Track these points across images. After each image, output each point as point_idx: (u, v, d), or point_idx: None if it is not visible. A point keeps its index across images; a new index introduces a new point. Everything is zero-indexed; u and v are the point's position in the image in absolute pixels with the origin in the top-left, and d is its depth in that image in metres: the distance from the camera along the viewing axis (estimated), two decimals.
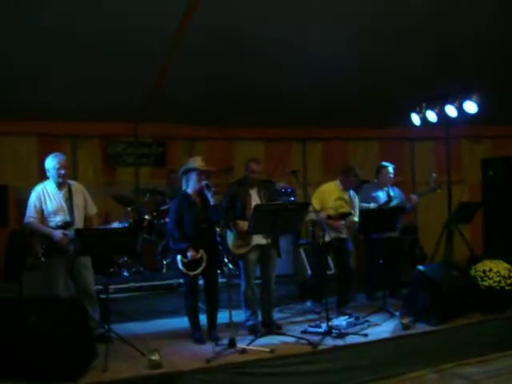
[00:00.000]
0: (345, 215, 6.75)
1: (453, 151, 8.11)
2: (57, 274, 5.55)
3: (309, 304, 7.19)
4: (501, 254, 6.98)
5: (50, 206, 5.60)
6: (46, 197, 5.63)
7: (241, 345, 5.39)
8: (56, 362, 4.53)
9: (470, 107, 7.31)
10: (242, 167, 8.77)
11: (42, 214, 5.59)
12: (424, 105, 7.78)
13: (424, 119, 7.86)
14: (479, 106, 7.27)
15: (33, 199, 5.62)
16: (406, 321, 5.96)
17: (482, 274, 6.43)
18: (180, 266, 5.55)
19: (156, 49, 6.81)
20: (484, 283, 6.40)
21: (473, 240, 8.35)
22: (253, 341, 5.52)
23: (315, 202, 6.64)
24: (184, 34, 6.53)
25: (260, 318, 6.23)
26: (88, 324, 5.08)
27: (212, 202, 5.63)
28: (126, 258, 7.51)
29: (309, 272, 7.65)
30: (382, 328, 6.06)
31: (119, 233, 5.15)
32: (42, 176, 8.06)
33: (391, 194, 7.25)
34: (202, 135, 8.95)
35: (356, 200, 6.98)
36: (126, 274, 7.45)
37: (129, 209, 7.59)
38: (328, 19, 6.58)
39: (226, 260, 7.50)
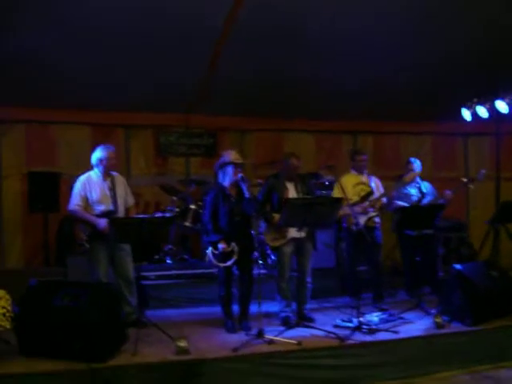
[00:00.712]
0: (366, 196, 6.87)
1: (506, 147, 7.91)
2: (98, 260, 5.87)
3: (347, 298, 7.22)
4: None
5: (94, 195, 5.91)
6: (92, 186, 5.94)
7: (270, 335, 5.47)
8: (86, 343, 4.75)
9: None
10: None
11: (86, 202, 5.90)
12: (475, 100, 7.60)
13: (475, 114, 7.69)
14: None
15: (78, 188, 5.94)
16: (439, 319, 5.86)
17: None
18: (211, 258, 5.73)
19: (207, 40, 6.99)
20: None
21: None
22: (282, 332, 5.62)
23: (338, 195, 6.76)
24: (235, 22, 6.67)
25: (294, 309, 6.32)
26: (120, 308, 5.30)
27: (247, 194, 5.75)
28: (171, 246, 7.73)
29: None
30: (416, 326, 5.98)
31: (153, 222, 5.36)
32: None
33: (423, 189, 7.19)
34: (252, 127, 9.06)
35: (374, 180, 7.13)
36: (169, 261, 7.65)
37: (174, 198, 7.81)
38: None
39: (268, 251, 7.60)
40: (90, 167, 8.34)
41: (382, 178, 7.39)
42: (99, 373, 4.70)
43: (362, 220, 6.83)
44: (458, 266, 6.17)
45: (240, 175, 5.83)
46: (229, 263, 5.73)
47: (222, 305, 6.02)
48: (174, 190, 7.99)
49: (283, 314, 6.24)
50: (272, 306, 6.49)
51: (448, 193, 7.04)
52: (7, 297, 4.95)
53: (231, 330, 5.84)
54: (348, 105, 8.50)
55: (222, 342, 5.47)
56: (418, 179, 7.31)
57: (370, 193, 6.95)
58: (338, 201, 5.82)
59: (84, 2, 6.15)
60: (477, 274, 6.18)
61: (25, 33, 6.35)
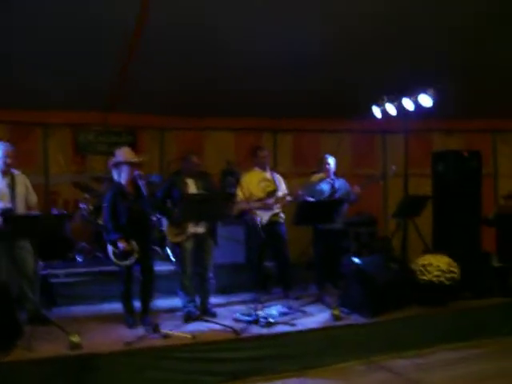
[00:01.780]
0: (272, 192, 7.07)
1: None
2: None
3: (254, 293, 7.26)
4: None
5: None
6: None
7: (167, 330, 5.51)
8: None
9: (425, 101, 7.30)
10: (212, 157, 9.21)
11: None
12: (385, 97, 7.79)
13: (385, 112, 7.88)
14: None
15: None
16: (337, 312, 6.02)
17: (422, 269, 6.45)
18: (111, 257, 5.77)
19: (120, 39, 7.02)
20: (424, 277, 6.42)
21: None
22: (178, 326, 5.70)
23: (241, 192, 7.10)
24: (146, 23, 6.73)
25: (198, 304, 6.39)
26: (13, 306, 5.28)
27: (144, 192, 5.82)
28: (84, 244, 7.76)
29: None
30: (315, 318, 6.12)
31: (47, 219, 5.38)
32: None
33: (336, 186, 7.36)
34: (171, 125, 9.13)
35: (277, 177, 7.30)
36: (79, 259, 7.69)
37: (87, 196, 7.81)
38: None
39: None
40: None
41: (301, 175, 7.53)
42: None
43: (267, 215, 7.02)
44: (356, 260, 6.34)
45: (136, 173, 5.88)
46: (129, 262, 5.78)
47: (123, 301, 6.06)
48: (88, 187, 7.99)
49: (186, 309, 6.30)
50: (176, 302, 6.57)
51: (356, 188, 7.24)
52: None
53: (131, 325, 5.87)
54: (268, 102, 8.63)
55: (119, 337, 5.46)
56: (333, 176, 7.46)
57: (275, 190, 7.13)
58: (230, 196, 5.95)
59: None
60: (375, 267, 6.38)
61: None
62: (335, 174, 7.47)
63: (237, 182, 7.76)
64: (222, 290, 6.73)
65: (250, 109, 8.84)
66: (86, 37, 6.89)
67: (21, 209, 5.90)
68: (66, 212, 6.22)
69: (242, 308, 6.58)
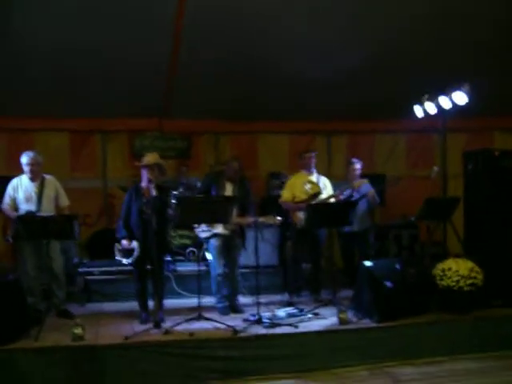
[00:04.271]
0: (315, 195, 7.08)
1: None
2: (24, 257, 6.40)
3: (286, 295, 7.35)
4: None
5: (20, 196, 6.42)
6: (19, 187, 6.46)
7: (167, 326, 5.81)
8: None
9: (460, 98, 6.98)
10: (266, 161, 9.35)
11: (14, 202, 6.43)
12: (426, 96, 7.55)
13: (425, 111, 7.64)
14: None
15: (8, 189, 6.49)
16: (344, 315, 5.93)
17: (441, 273, 6.19)
18: (115, 253, 6.13)
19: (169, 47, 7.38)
20: (442, 282, 6.16)
21: None
22: (178, 324, 5.89)
23: (285, 193, 7.28)
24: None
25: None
26: (23, 299, 5.78)
27: (153, 193, 6.10)
28: None
29: None
30: (323, 322, 6.08)
31: (56, 220, 5.82)
32: (75, 168, 9.12)
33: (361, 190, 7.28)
34: (225, 129, 9.31)
35: (322, 180, 7.30)
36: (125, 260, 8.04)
37: None
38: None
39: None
40: (69, 170, 9.02)
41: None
42: None
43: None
44: (367, 263, 6.20)
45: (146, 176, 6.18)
46: (129, 260, 6.11)
47: (137, 298, 6.41)
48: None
49: (219, 305, 6.66)
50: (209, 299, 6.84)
51: (371, 191, 7.17)
52: None
53: (144, 321, 6.17)
54: (320, 105, 8.64)
55: (126, 332, 5.70)
56: (358, 179, 7.38)
57: (319, 192, 7.14)
58: (231, 199, 6.07)
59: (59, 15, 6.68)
60: (387, 271, 6.20)
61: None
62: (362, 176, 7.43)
63: (282, 185, 7.88)
64: (254, 292, 6.84)
65: (304, 112, 8.88)
66: (139, 51, 7.29)
67: (48, 211, 6.42)
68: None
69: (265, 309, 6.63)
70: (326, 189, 7.27)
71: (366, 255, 7.02)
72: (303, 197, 7.16)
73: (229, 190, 6.71)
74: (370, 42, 7.29)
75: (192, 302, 6.77)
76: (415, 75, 7.68)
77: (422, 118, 7.84)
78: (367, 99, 8.33)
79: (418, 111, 7.78)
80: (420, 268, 6.43)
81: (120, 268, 7.16)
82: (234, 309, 6.69)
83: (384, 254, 8.22)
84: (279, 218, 6.35)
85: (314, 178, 7.33)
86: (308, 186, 7.22)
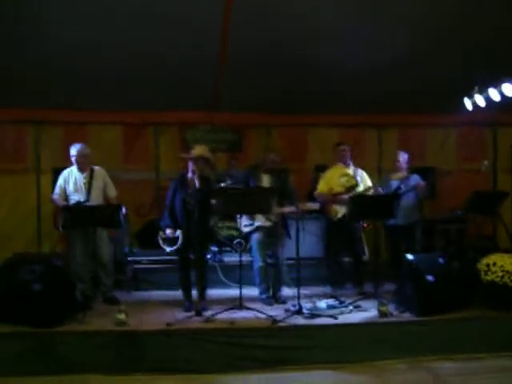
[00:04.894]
0: (351, 187, 7.08)
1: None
2: (73, 245, 6.67)
3: (329, 288, 7.39)
4: None
5: (70, 186, 6.69)
6: (70, 178, 6.73)
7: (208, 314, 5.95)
8: (33, 311, 5.52)
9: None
10: (316, 153, 9.35)
11: (64, 193, 6.71)
12: (476, 89, 7.39)
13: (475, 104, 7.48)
14: None
15: (59, 180, 6.77)
16: (384, 308, 5.91)
17: (486, 268, 6.07)
18: (159, 241, 6.28)
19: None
20: (487, 277, 6.04)
21: None
22: (219, 312, 6.00)
23: (321, 186, 7.30)
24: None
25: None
26: (71, 284, 6.01)
27: (197, 184, 6.25)
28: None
29: None
30: (364, 314, 6.09)
31: (100, 209, 6.04)
32: (128, 160, 9.35)
33: (409, 182, 7.23)
34: (276, 122, 9.34)
35: (360, 172, 7.30)
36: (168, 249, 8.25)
37: None
38: None
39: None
40: (121, 162, 9.27)
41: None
42: (40, 336, 5.42)
43: (343, 210, 7.04)
44: (409, 256, 6.16)
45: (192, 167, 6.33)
46: (171, 249, 6.27)
47: (181, 287, 6.57)
48: None
49: (262, 296, 6.77)
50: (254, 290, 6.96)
51: (421, 183, 7.06)
52: None
53: (188, 309, 6.31)
54: (372, 98, 8.58)
55: (168, 319, 5.85)
56: (404, 172, 7.35)
57: (355, 185, 7.13)
58: (270, 190, 6.14)
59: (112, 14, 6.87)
60: (429, 264, 6.12)
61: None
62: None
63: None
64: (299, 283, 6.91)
65: (354, 104, 8.81)
66: (189, 45, 7.39)
67: (97, 201, 6.68)
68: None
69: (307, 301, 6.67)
70: (364, 181, 7.26)
71: (412, 249, 6.95)
72: (339, 189, 7.17)
73: (266, 181, 6.81)
74: (422, 31, 7.17)
75: (237, 292, 6.77)
76: (466, 67, 7.57)
77: (473, 112, 7.68)
78: (417, 93, 8.25)
79: (468, 104, 7.62)
80: (464, 262, 6.33)
81: (167, 257, 7.34)
82: (277, 299, 6.76)
83: (431, 249, 8.09)
84: (312, 204, 6.42)
85: (350, 170, 7.33)
86: (344, 179, 7.22)
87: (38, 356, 5.32)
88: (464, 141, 9.35)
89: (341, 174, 7.27)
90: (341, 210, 7.06)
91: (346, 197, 7.00)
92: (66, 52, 7.28)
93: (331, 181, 7.28)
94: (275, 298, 6.78)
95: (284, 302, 6.65)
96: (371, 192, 7.12)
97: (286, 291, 6.98)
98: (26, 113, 8.57)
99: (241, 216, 6.79)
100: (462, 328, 5.87)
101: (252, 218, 6.71)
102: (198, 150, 6.48)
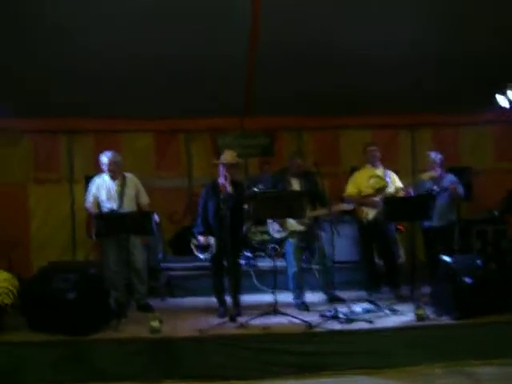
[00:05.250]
0: (381, 189, 6.96)
1: None
2: (106, 253, 6.69)
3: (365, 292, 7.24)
4: None
5: (102, 194, 6.71)
6: (101, 186, 6.76)
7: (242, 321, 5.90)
8: (68, 319, 5.55)
9: None
10: (349, 155, 9.24)
11: (96, 201, 6.75)
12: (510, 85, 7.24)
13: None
14: None
15: (91, 188, 6.81)
16: (421, 312, 5.78)
17: None
18: (192, 248, 6.27)
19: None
20: None
21: None
22: (253, 318, 5.96)
23: (350, 188, 7.20)
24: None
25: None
26: (105, 292, 6.05)
27: (228, 190, 6.22)
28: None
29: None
30: (400, 318, 5.95)
31: (132, 217, 6.06)
32: (160, 167, 9.39)
33: (443, 183, 7.10)
34: (307, 125, 9.30)
35: (389, 174, 7.14)
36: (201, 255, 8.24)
37: None
38: None
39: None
40: (152, 169, 9.32)
41: None
42: (75, 344, 5.45)
43: (373, 213, 6.96)
44: (446, 258, 6.02)
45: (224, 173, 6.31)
46: (204, 255, 6.26)
47: (215, 293, 6.55)
48: None
49: (296, 302, 6.70)
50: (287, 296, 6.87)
51: (452, 185, 6.92)
52: (12, 280, 5.92)
53: (221, 315, 6.28)
54: (404, 98, 8.46)
55: (202, 326, 5.83)
56: (439, 172, 7.20)
57: (385, 186, 7.02)
58: (303, 194, 6.07)
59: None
60: (466, 266, 5.95)
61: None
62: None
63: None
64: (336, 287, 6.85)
65: (387, 105, 8.70)
66: (219, 50, 7.39)
67: (129, 208, 6.68)
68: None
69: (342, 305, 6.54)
70: (394, 183, 7.12)
71: (448, 251, 6.80)
72: (369, 191, 7.07)
73: (295, 185, 6.80)
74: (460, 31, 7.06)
75: (271, 297, 6.76)
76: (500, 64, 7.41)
77: (508, 109, 7.50)
78: (451, 93, 8.12)
79: (503, 101, 7.44)
80: (502, 264, 6.15)
81: (200, 264, 7.31)
82: (332, 298, 6.74)
83: (468, 250, 7.91)
84: (346, 205, 6.35)
85: (379, 172, 7.20)
86: (372, 181, 7.11)
87: (72, 364, 5.36)
88: (500, 139, 9.17)
89: (370, 175, 7.16)
90: (371, 212, 6.97)
91: (375, 199, 6.92)
92: (96, 58, 7.28)
93: (360, 183, 7.18)
94: (330, 298, 6.76)
95: (343, 301, 6.60)
96: (402, 193, 7.01)
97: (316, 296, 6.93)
98: (59, 122, 8.68)
99: (271, 221, 6.77)
100: (501, 332, 5.69)
101: (282, 224, 6.66)
102: (228, 156, 6.46)
